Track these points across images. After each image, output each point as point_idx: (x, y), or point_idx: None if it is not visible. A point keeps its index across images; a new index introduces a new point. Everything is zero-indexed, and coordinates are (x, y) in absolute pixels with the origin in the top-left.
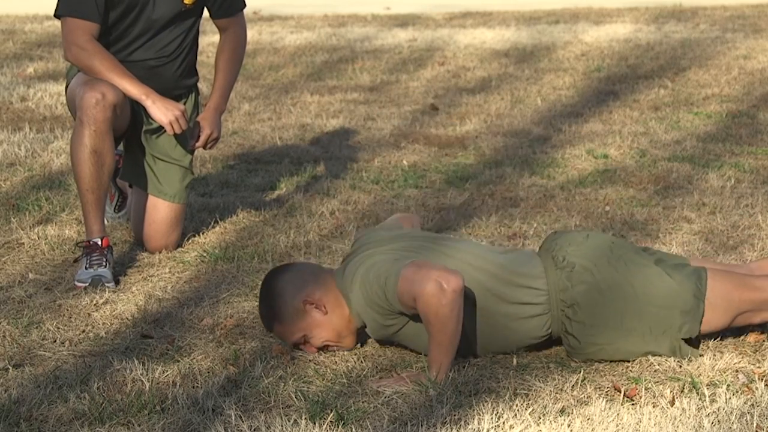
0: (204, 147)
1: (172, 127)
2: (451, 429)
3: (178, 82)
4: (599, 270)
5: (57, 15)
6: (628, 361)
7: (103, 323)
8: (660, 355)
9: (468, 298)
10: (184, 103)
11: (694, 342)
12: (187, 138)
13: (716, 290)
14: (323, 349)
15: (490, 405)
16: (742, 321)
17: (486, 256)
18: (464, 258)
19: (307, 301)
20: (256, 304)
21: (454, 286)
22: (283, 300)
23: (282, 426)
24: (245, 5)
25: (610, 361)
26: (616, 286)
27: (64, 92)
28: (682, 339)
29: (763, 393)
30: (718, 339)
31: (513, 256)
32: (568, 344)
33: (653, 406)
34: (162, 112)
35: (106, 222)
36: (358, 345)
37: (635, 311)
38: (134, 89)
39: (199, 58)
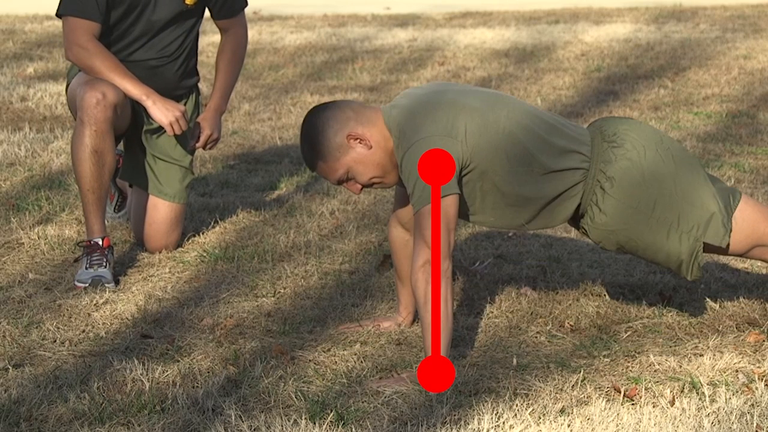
0: (204, 148)
1: (172, 128)
2: (451, 429)
3: (179, 83)
4: (646, 154)
5: (58, 14)
6: (629, 360)
7: (103, 323)
8: (677, 267)
9: (517, 137)
10: (185, 104)
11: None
12: (187, 138)
13: (745, 213)
14: (368, 186)
15: (490, 405)
16: (758, 254)
17: (538, 113)
18: (522, 107)
19: (350, 136)
20: (257, 303)
21: (442, 267)
22: (326, 136)
23: (282, 426)
24: (246, 5)
25: (610, 360)
26: (658, 174)
27: (64, 92)
28: (701, 248)
29: (763, 393)
30: (718, 339)
31: (564, 120)
32: (592, 219)
33: (653, 406)
34: (162, 112)
35: (106, 222)
36: (359, 345)
37: (669, 203)
38: (135, 89)
39: (199, 58)
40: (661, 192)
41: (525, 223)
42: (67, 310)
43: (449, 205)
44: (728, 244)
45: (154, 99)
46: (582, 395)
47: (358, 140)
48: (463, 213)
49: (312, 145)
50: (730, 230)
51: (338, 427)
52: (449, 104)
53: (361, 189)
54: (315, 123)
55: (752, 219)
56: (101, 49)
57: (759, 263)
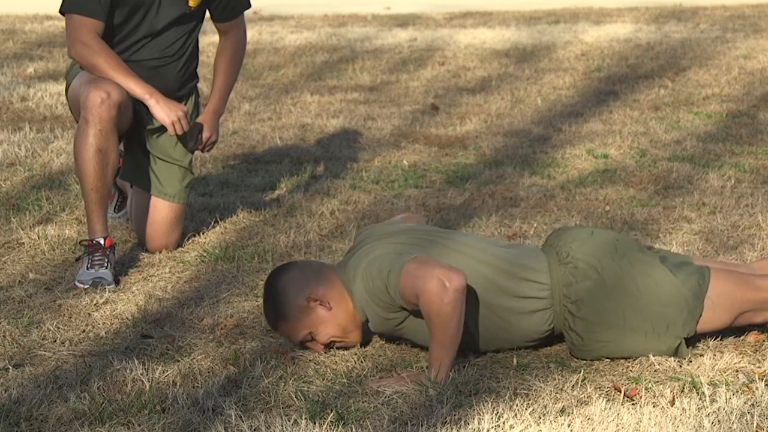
0: (201, 150)
1: (174, 127)
2: (451, 429)
3: (180, 84)
4: (603, 267)
5: (62, 11)
6: (629, 361)
7: (103, 323)
8: (660, 355)
9: (471, 292)
10: (185, 104)
11: (691, 341)
12: (187, 138)
13: (718, 289)
14: (330, 345)
15: (490, 405)
16: (743, 321)
17: (489, 250)
18: (468, 251)
19: (310, 298)
20: (257, 303)
21: (457, 284)
22: (287, 298)
23: (282, 426)
24: (249, 6)
25: (611, 360)
26: (620, 284)
27: (64, 92)
28: (683, 338)
29: (763, 393)
30: (718, 339)
31: (516, 250)
32: (570, 341)
33: (653, 406)
34: (165, 112)
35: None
36: (359, 345)
37: (638, 309)
38: (138, 88)
39: (199, 58)
40: (628, 298)
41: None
42: (68, 310)
43: (422, 260)
44: (711, 324)
45: (156, 98)
46: (582, 395)
47: (318, 302)
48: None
49: (273, 306)
50: (699, 317)
51: (338, 427)
52: (394, 251)
53: (323, 348)
54: (276, 285)
55: (726, 292)
56: (104, 47)
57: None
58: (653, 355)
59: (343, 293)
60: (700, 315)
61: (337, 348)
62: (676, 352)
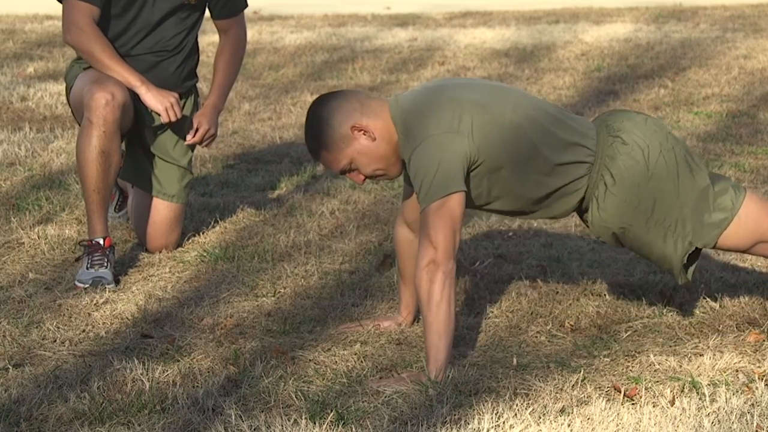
0: (200, 144)
1: (167, 113)
2: (451, 429)
3: (179, 81)
4: (650, 154)
5: None
6: (629, 360)
7: (103, 323)
8: (669, 269)
9: (523, 130)
10: (184, 104)
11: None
12: (186, 137)
13: (749, 209)
14: (371, 177)
15: (490, 405)
16: (761, 250)
17: (544, 105)
18: (527, 99)
19: (355, 127)
20: (257, 303)
21: (444, 267)
22: (330, 126)
23: (282, 426)
24: (247, 5)
25: (611, 360)
26: (660, 176)
27: (64, 92)
28: (694, 252)
29: (763, 393)
30: (718, 339)
31: (569, 113)
32: (593, 213)
33: (653, 406)
34: (157, 99)
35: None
36: (359, 344)
37: (669, 205)
38: (131, 77)
39: (199, 58)
40: (661, 194)
41: (529, 213)
42: (67, 309)
43: (455, 203)
44: (732, 240)
45: (148, 86)
46: (582, 395)
47: (362, 132)
48: (469, 202)
49: (316, 134)
50: (724, 229)
51: (338, 427)
52: (454, 100)
53: (364, 180)
54: (320, 112)
55: (755, 215)
56: (99, 34)
57: (760, 263)
58: (653, 356)
59: (389, 126)
60: (724, 229)
61: (378, 179)
62: (681, 270)
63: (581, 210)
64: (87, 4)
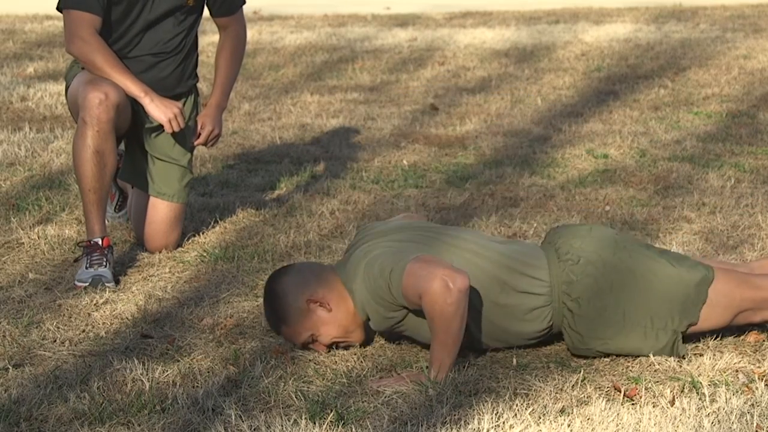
0: (205, 144)
1: (170, 124)
2: (451, 429)
3: (178, 81)
4: (604, 263)
5: (59, 8)
6: (629, 360)
7: (103, 323)
8: (660, 354)
9: (471, 287)
10: (184, 104)
11: (690, 340)
12: (186, 137)
13: (718, 288)
14: (333, 346)
15: (490, 405)
16: (742, 320)
17: (488, 245)
18: (467, 246)
19: (310, 300)
20: (257, 303)
21: (460, 285)
22: (287, 302)
23: (282, 426)
24: (245, 1)
25: (611, 360)
26: (620, 279)
27: (64, 93)
28: (681, 333)
29: (763, 393)
30: (718, 339)
31: (515, 246)
32: (570, 339)
33: (653, 406)
34: (161, 110)
35: (106, 222)
36: (361, 344)
37: (638, 304)
38: (134, 87)
39: (199, 58)
40: (628, 294)
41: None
42: (67, 309)
43: (415, 258)
44: (710, 322)
45: (151, 96)
46: (582, 395)
47: (318, 303)
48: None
49: (274, 310)
50: (703, 304)
51: (338, 427)
52: (394, 252)
53: (328, 349)
54: (275, 289)
55: (725, 291)
56: (102, 44)
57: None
58: (653, 355)
59: (343, 293)
60: (704, 303)
61: (340, 348)
62: (673, 350)
63: (556, 334)
64: (88, 14)
